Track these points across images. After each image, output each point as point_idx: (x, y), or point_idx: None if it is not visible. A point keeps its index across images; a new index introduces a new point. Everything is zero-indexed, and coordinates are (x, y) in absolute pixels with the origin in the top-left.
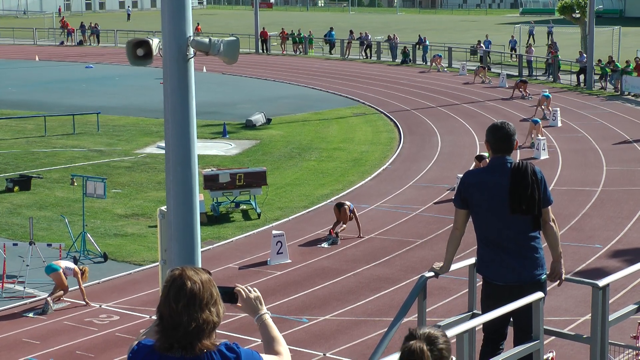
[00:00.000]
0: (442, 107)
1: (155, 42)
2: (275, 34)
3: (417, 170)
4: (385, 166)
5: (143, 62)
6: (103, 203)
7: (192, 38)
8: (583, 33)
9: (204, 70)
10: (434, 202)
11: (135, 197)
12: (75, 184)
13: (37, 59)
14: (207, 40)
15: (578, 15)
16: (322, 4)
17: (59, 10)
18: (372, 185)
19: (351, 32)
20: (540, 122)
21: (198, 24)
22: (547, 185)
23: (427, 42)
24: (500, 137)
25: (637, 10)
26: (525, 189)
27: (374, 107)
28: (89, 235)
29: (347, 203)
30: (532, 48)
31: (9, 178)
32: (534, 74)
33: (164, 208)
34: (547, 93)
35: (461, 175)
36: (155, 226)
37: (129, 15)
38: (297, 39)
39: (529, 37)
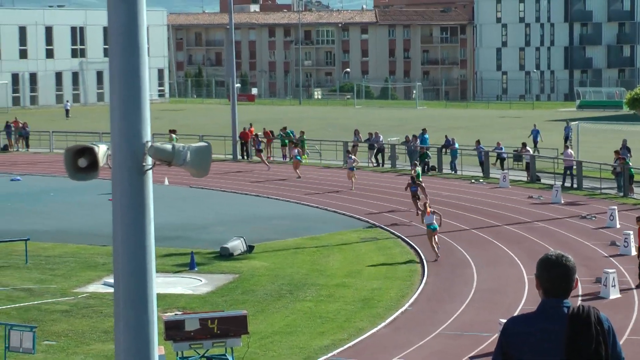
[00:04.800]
0: (478, 230)
1: (102, 150)
2: (258, 135)
3: (446, 313)
4: (403, 308)
5: (86, 175)
6: None
7: (150, 144)
8: None
9: (166, 182)
10: (469, 356)
11: (75, 351)
12: None
13: None
14: (169, 146)
15: None
16: (320, 96)
17: None
18: (386, 334)
19: (357, 132)
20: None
21: (251, 125)
22: (616, 337)
23: (457, 145)
24: (555, 277)
25: None
26: (588, 342)
27: (387, 230)
28: None
29: None
30: (570, 150)
31: None
32: (600, 185)
33: None
34: None
35: (504, 321)
36: None
37: (67, 111)
38: (285, 140)
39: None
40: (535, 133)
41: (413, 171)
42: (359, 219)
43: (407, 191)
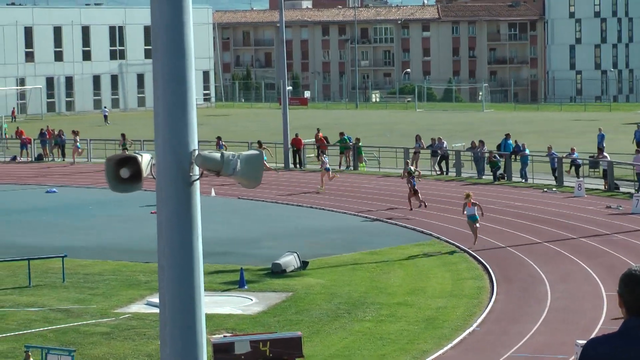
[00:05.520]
0: (551, 243)
1: (145, 159)
2: (312, 141)
3: (517, 334)
4: (471, 328)
5: (129, 186)
6: None
7: (197, 152)
8: None
9: (213, 194)
10: None
11: None
12: (32, 359)
13: None
14: (217, 155)
15: None
16: (378, 99)
17: (13, 113)
18: (453, 356)
19: (418, 137)
20: None
21: (318, 130)
22: None
23: (527, 151)
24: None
25: None
26: None
27: (453, 244)
28: None
29: None
30: None
31: None
32: None
33: None
34: None
35: (582, 343)
36: None
37: (105, 117)
38: (343, 147)
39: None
40: (600, 138)
41: (405, 170)
42: (421, 231)
43: (407, 183)
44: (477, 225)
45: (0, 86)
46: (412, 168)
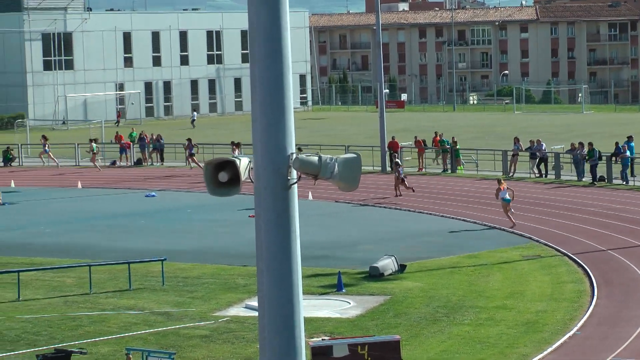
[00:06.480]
0: None
1: (243, 163)
2: (409, 144)
3: (618, 338)
4: (571, 332)
5: (227, 190)
6: None
7: (294, 156)
8: None
9: (310, 197)
10: None
11: None
12: None
13: (79, 185)
14: (315, 158)
15: None
16: (475, 101)
17: (118, 116)
18: None
19: (517, 139)
20: None
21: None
22: None
23: (629, 153)
24: None
25: None
26: None
27: (552, 247)
28: None
29: None
30: None
31: (40, 354)
32: None
33: None
34: None
35: None
36: None
37: (193, 121)
38: (446, 149)
39: None
40: None
41: (396, 170)
42: (520, 234)
43: (394, 172)
44: (511, 208)
45: (100, 91)
46: (399, 161)
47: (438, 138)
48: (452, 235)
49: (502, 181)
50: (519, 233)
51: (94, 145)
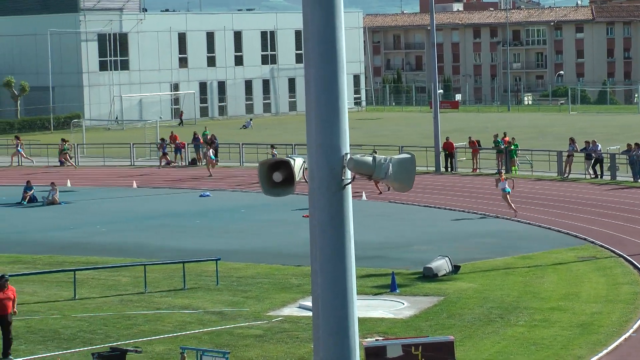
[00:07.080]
0: None
1: (298, 163)
2: (463, 145)
3: None
4: (627, 334)
5: (281, 190)
6: None
7: (349, 156)
8: None
9: (363, 197)
10: None
11: None
12: None
13: (134, 185)
14: (369, 159)
15: None
16: (530, 102)
17: (180, 115)
18: None
19: (572, 140)
20: None
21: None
22: None
23: None
24: None
25: None
26: None
27: (608, 249)
28: None
29: None
30: None
31: (95, 352)
32: None
33: None
34: None
35: None
36: None
37: (245, 126)
38: (500, 149)
39: None
40: None
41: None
42: (575, 236)
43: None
44: (510, 198)
45: (155, 91)
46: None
47: (508, 138)
48: (506, 236)
49: (502, 172)
50: (574, 234)
51: (65, 145)
